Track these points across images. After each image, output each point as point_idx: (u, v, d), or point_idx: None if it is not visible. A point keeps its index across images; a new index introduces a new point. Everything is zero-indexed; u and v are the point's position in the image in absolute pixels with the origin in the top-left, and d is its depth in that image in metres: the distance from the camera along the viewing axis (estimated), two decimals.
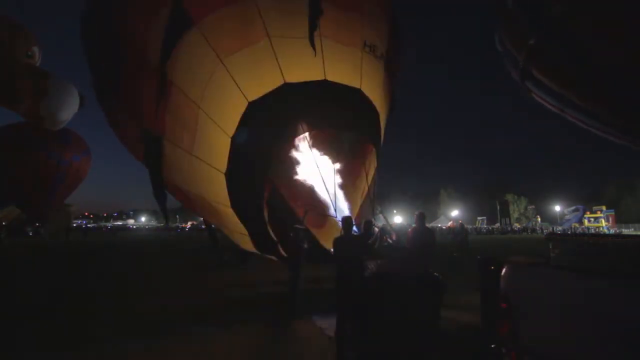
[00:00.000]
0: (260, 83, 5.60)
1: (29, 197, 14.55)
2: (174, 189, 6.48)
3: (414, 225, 6.06)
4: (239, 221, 6.07)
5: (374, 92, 6.37)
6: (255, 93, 5.58)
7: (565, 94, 4.80)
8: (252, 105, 5.56)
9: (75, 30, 6.68)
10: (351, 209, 6.43)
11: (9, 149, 13.23)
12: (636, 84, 4.11)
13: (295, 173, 6.20)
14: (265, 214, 5.82)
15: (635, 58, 3.94)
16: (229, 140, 5.59)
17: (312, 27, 5.23)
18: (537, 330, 2.63)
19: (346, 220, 4.62)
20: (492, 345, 3.06)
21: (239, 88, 5.43)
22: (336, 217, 6.00)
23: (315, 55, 5.45)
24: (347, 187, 6.52)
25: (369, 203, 7.16)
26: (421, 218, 5.91)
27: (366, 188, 7.04)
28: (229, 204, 5.93)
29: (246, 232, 6.30)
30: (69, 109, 10.37)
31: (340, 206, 6.16)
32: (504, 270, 3.11)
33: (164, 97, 5.31)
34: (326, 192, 6.05)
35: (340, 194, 6.24)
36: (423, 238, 5.73)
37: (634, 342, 2.02)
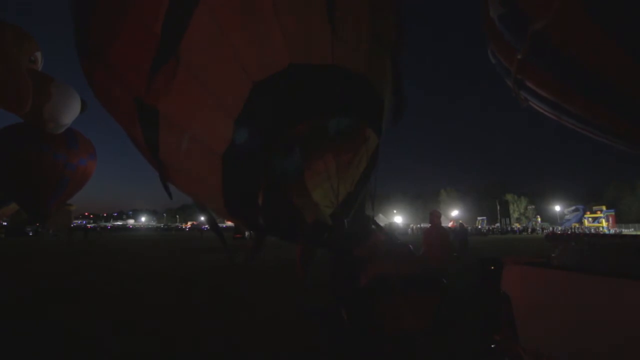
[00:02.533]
0: (266, 62, 5.34)
1: (33, 198, 14.53)
2: (165, 166, 6.23)
3: (429, 224, 5.98)
4: (224, 205, 5.96)
5: (380, 83, 6.21)
6: (261, 73, 5.33)
7: (559, 102, 4.98)
8: (257, 87, 5.30)
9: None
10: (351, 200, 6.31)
11: (15, 148, 13.21)
12: (621, 91, 4.28)
13: (299, 159, 6.02)
14: (260, 200, 5.67)
15: (616, 66, 4.12)
16: (232, 123, 5.35)
17: (331, 7, 5.03)
18: (537, 330, 2.63)
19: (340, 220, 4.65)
20: (492, 345, 3.06)
21: (244, 66, 5.19)
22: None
23: (338, 37, 5.20)
24: (347, 176, 6.39)
25: (368, 197, 7.02)
26: (437, 217, 5.84)
27: (357, 177, 6.95)
28: (220, 188, 5.76)
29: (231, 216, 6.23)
30: (71, 113, 10.46)
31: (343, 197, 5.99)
32: (504, 270, 3.11)
33: (166, 71, 5.01)
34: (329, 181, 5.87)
35: (342, 184, 6.09)
36: (440, 238, 5.67)
37: (634, 342, 2.02)
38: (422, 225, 53.15)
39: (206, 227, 66.37)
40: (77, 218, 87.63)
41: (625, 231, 41.19)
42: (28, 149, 13.00)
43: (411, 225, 50.25)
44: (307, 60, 5.46)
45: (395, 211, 64.29)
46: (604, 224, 41.32)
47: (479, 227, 54.35)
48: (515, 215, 64.71)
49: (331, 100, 5.81)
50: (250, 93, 5.36)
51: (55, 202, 15.53)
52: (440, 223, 5.86)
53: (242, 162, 5.63)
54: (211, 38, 5.14)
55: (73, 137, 14.61)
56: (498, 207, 56.60)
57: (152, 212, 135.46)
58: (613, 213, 43.54)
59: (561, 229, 41.91)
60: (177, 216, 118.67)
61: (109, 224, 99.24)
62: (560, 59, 4.47)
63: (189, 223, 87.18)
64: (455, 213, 59.89)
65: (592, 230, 38.70)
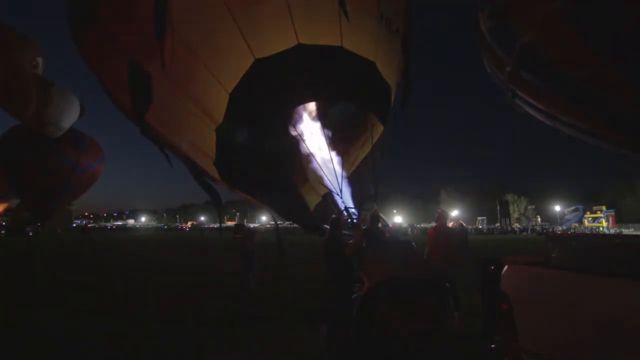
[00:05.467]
0: (271, 40, 5.12)
1: (39, 198, 14.55)
2: (156, 132, 6.02)
3: (434, 224, 5.93)
4: (217, 173, 5.83)
5: (388, 68, 6.05)
6: (265, 50, 5.13)
7: (550, 111, 5.10)
8: (258, 63, 5.10)
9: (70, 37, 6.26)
10: (354, 194, 6.21)
11: (26, 149, 13.24)
12: (608, 101, 4.41)
13: (298, 142, 5.89)
14: (255, 179, 5.56)
15: (601, 77, 4.24)
16: (227, 96, 5.15)
17: None
18: (537, 330, 2.63)
19: (335, 220, 4.60)
20: (492, 345, 3.06)
21: (246, 42, 4.98)
22: (339, 195, 5.72)
23: (348, 20, 5.00)
24: (347, 164, 6.27)
25: (370, 186, 6.88)
26: (445, 217, 5.78)
27: (357, 162, 6.83)
28: (213, 159, 5.63)
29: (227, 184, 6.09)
30: (70, 117, 10.51)
31: (345, 189, 5.84)
32: (504, 270, 3.11)
33: (159, 35, 4.74)
34: (332, 171, 5.70)
35: (343, 172, 5.95)
36: (446, 239, 5.63)
37: (633, 342, 2.02)
38: (422, 225, 53.07)
39: (205, 227, 66.29)
40: (77, 218, 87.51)
41: (625, 231, 41.14)
42: (38, 151, 13.03)
43: (411, 226, 50.05)
44: (315, 39, 5.24)
45: (395, 211, 64.26)
46: (604, 224, 41.28)
47: (479, 227, 54.36)
48: (515, 215, 64.68)
49: (337, 83, 5.61)
50: (250, 68, 5.14)
51: (60, 203, 15.55)
52: (446, 223, 5.82)
53: (237, 137, 5.43)
54: (213, 8, 4.90)
55: (83, 141, 14.65)
56: (498, 207, 56.58)
57: (152, 212, 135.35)
58: (613, 213, 43.51)
59: (561, 229, 41.91)
60: (177, 216, 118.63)
61: (109, 224, 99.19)
62: (548, 71, 4.66)
63: (189, 223, 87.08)
64: (455, 213, 59.82)
65: (592, 231, 38.69)
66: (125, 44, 5.29)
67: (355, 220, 5.52)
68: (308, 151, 5.89)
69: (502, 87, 5.53)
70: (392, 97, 6.46)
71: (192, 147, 5.88)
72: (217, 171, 5.78)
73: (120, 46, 5.36)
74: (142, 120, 5.44)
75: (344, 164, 6.11)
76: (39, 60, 9.43)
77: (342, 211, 5.38)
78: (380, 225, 5.98)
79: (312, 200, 6.83)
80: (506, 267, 3.13)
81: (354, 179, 6.93)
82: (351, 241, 4.47)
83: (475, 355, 3.97)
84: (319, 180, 6.09)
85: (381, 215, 6.12)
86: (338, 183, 5.61)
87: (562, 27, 4.17)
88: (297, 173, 6.51)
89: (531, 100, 5.26)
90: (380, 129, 6.49)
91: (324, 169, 5.74)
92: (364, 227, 4.82)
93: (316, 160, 5.85)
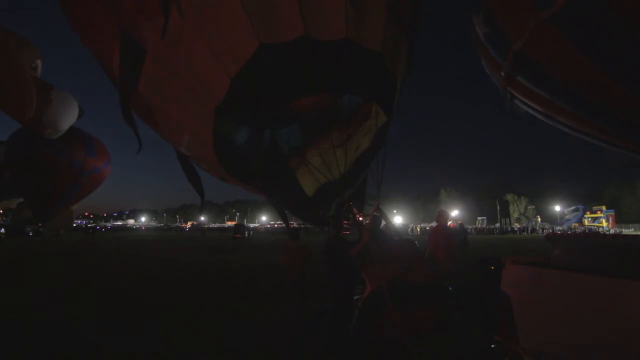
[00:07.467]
0: (277, 28, 4.94)
1: (43, 199, 14.59)
2: (146, 113, 5.77)
3: (434, 224, 5.95)
4: (217, 161, 5.68)
5: (394, 60, 5.95)
6: (270, 37, 4.95)
7: (548, 113, 5.15)
8: (263, 48, 4.89)
9: (71, 40, 6.07)
10: (355, 188, 6.16)
11: (33, 150, 13.28)
12: (600, 105, 4.50)
13: (300, 134, 5.78)
14: (255, 167, 5.48)
15: (592, 82, 4.32)
16: (229, 80, 4.94)
17: None
18: (537, 330, 2.64)
19: (337, 220, 4.60)
20: (492, 345, 3.06)
21: (252, 26, 4.78)
22: (342, 190, 5.68)
23: (354, 9, 4.91)
24: (350, 154, 6.22)
25: (372, 184, 6.81)
26: (444, 217, 5.80)
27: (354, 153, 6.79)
28: (211, 144, 5.46)
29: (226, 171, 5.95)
30: (69, 119, 10.58)
31: (347, 183, 5.79)
32: (504, 270, 3.12)
33: (155, 10, 4.50)
34: (334, 165, 5.64)
35: (345, 167, 5.91)
36: (446, 238, 5.64)
37: (632, 341, 2.02)
38: (422, 225, 53.09)
39: (206, 227, 66.27)
40: (77, 218, 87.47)
41: (625, 231, 41.15)
42: (46, 153, 13.07)
43: (411, 226, 50.08)
44: (321, 31, 5.11)
45: (395, 211, 64.25)
46: (604, 224, 41.32)
47: (479, 226, 54.42)
48: (515, 215, 64.74)
49: (342, 75, 5.52)
50: (255, 53, 4.97)
51: (64, 205, 15.57)
52: (446, 223, 5.83)
53: (236, 124, 5.29)
54: None
55: (91, 144, 14.67)
56: (498, 207, 56.59)
57: (153, 212, 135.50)
58: (613, 213, 43.55)
59: (561, 229, 41.95)
60: (177, 216, 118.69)
61: (109, 224, 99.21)
62: (541, 76, 4.71)
63: (189, 223, 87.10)
64: (455, 213, 59.86)
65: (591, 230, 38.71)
66: (118, 11, 5.00)
67: (359, 218, 5.50)
68: (309, 143, 5.83)
69: (500, 89, 5.57)
70: (398, 89, 6.38)
71: (187, 130, 5.72)
72: (216, 156, 5.65)
73: (112, 13, 5.06)
74: (127, 97, 5.17)
75: (346, 155, 6.02)
76: (38, 62, 9.48)
77: (345, 206, 5.36)
78: (383, 224, 5.98)
79: (311, 185, 6.69)
80: (506, 267, 3.14)
81: (356, 170, 6.85)
82: (357, 242, 4.48)
83: (475, 355, 3.97)
84: (321, 172, 6.03)
85: (383, 212, 6.10)
86: (340, 177, 5.56)
87: (553, 34, 4.23)
88: (297, 164, 6.45)
89: (529, 102, 5.32)
90: (384, 120, 6.42)
91: (326, 162, 5.69)
92: (367, 225, 4.81)
93: (318, 154, 5.79)
